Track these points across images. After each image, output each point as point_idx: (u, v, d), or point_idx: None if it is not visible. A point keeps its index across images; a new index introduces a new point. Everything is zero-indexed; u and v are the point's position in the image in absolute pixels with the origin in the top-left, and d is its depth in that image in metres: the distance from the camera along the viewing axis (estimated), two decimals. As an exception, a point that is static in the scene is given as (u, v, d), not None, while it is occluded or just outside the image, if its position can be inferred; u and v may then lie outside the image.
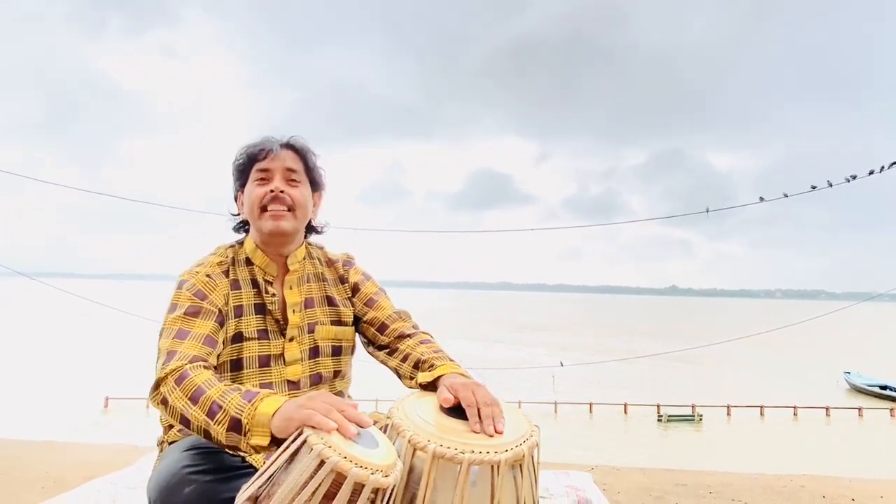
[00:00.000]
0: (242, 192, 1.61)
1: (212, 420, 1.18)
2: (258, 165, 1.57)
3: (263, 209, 1.55)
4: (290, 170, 1.58)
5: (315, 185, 1.65)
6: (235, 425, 1.15)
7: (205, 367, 1.31)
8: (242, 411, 1.16)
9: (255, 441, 1.14)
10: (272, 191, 1.54)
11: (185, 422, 1.23)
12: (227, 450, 1.20)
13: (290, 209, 1.56)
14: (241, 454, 1.29)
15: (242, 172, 1.60)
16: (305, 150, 1.62)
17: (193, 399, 1.22)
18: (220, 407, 1.18)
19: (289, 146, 1.60)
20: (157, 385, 1.28)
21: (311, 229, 1.71)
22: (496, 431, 1.20)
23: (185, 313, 1.41)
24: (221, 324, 1.46)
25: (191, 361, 1.30)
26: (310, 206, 1.63)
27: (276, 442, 1.14)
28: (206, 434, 1.20)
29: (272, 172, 1.56)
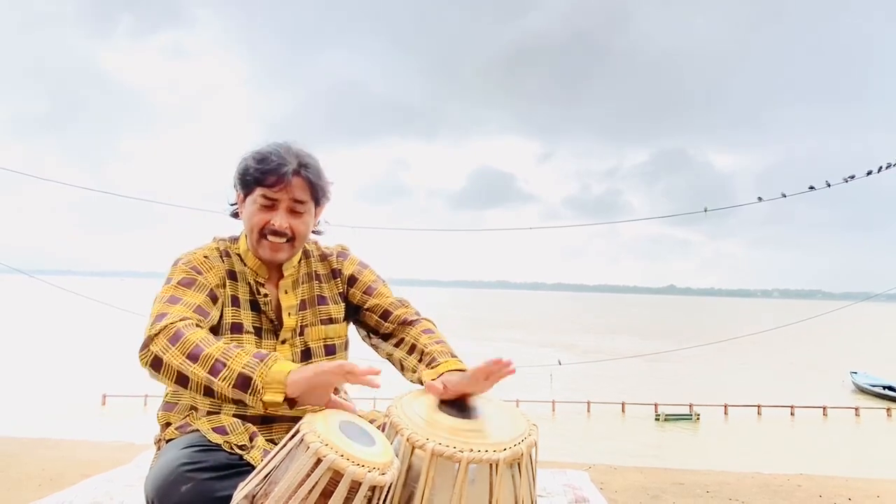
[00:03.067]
0: (244, 197, 1.55)
1: (215, 377, 1.21)
2: (264, 191, 1.49)
3: (262, 236, 1.51)
4: (298, 200, 1.51)
5: (319, 203, 1.59)
6: (243, 382, 1.20)
7: (196, 326, 1.32)
8: (254, 369, 1.20)
9: (269, 397, 1.19)
10: (274, 224, 1.49)
11: (183, 380, 1.24)
12: (231, 403, 1.25)
13: (290, 240, 1.53)
14: (239, 453, 1.29)
15: (246, 185, 1.53)
16: (316, 180, 1.53)
17: (192, 356, 1.24)
18: (225, 364, 1.22)
19: (299, 174, 1.50)
20: (146, 344, 1.28)
21: None
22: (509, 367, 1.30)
23: (178, 283, 1.43)
24: (214, 300, 1.46)
25: (181, 320, 1.31)
26: (310, 229, 1.59)
27: (287, 401, 1.19)
28: (208, 390, 1.23)
29: (278, 203, 1.50)
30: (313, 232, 1.70)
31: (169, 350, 1.26)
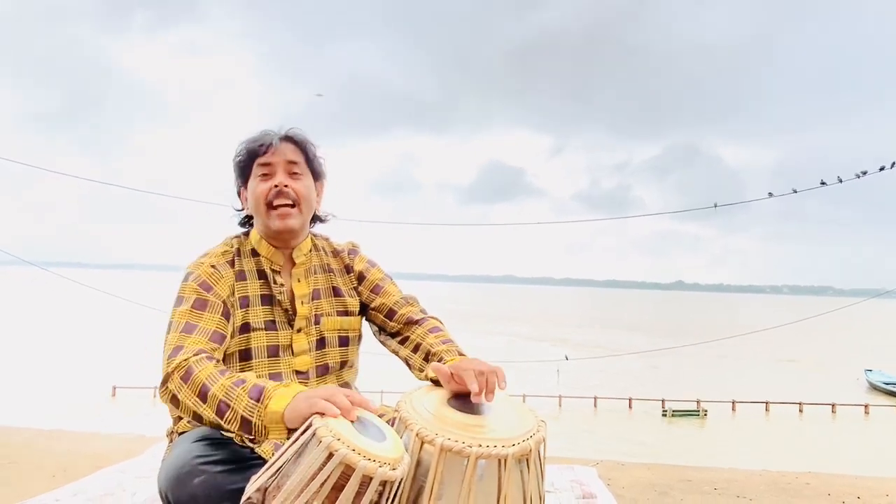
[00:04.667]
0: (245, 187, 1.62)
1: (222, 419, 1.22)
2: (259, 160, 1.56)
3: (270, 206, 1.55)
4: (292, 162, 1.58)
5: (316, 175, 1.65)
6: (246, 426, 1.20)
7: (208, 359, 1.33)
8: (253, 412, 1.19)
9: (274, 437, 1.19)
10: (276, 186, 1.54)
11: (198, 418, 1.26)
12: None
13: (296, 204, 1.56)
14: (251, 446, 1.31)
15: (244, 169, 1.60)
16: (304, 142, 1.62)
17: (202, 396, 1.25)
18: (228, 406, 1.22)
19: (287, 139, 1.59)
20: (164, 381, 1.31)
21: (315, 218, 1.71)
22: (487, 392, 1.31)
23: (191, 307, 1.44)
24: (227, 316, 1.48)
25: (195, 355, 1.32)
26: (314, 197, 1.64)
27: (294, 432, 1.18)
28: (220, 428, 1.25)
29: (274, 167, 1.56)
30: (318, 220, 1.73)
31: (182, 389, 1.27)
